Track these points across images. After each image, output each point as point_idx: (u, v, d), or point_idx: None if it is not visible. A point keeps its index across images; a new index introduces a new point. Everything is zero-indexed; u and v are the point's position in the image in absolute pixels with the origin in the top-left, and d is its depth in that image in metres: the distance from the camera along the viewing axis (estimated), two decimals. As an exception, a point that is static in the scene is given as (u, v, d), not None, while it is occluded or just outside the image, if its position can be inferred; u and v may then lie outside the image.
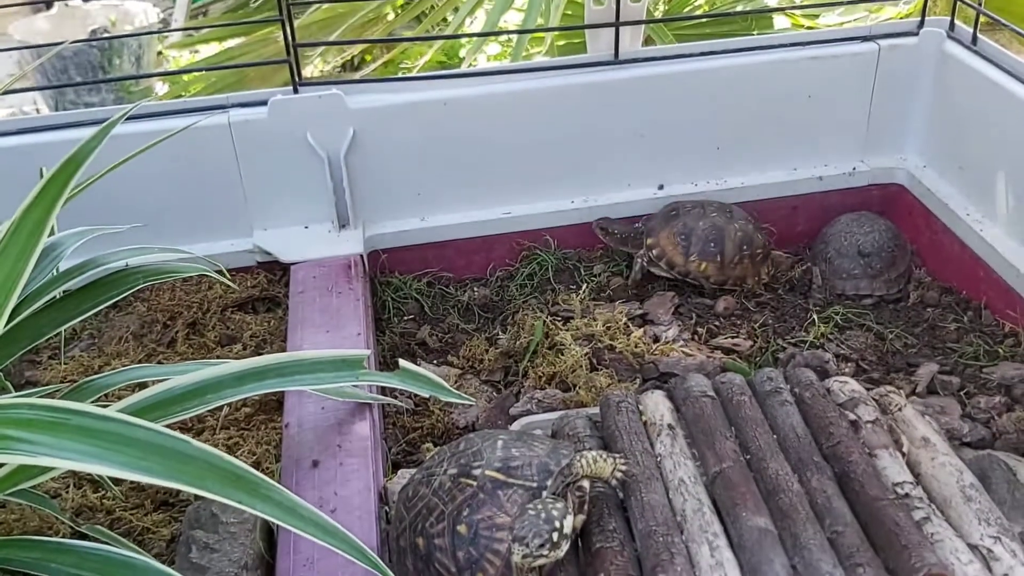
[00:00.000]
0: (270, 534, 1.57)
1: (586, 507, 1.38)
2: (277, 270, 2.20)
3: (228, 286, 2.11)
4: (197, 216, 2.16)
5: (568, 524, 1.28)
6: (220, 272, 1.81)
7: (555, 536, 1.25)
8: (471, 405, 1.79)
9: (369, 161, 2.18)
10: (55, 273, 1.44)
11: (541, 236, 2.31)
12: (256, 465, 1.73)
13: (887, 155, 2.44)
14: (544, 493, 1.32)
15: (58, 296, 1.45)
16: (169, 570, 1.24)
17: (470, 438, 1.47)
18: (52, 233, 1.54)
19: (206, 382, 1.30)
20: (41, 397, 1.15)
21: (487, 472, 1.36)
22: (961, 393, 1.91)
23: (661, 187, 2.35)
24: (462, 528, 1.33)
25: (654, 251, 2.19)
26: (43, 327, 1.39)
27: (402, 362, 1.46)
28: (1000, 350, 2.00)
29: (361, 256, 2.15)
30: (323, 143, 2.12)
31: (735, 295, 2.20)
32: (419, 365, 2.08)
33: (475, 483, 1.35)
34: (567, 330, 2.04)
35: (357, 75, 3.81)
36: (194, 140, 1.99)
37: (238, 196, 2.15)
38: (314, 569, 1.47)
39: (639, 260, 2.22)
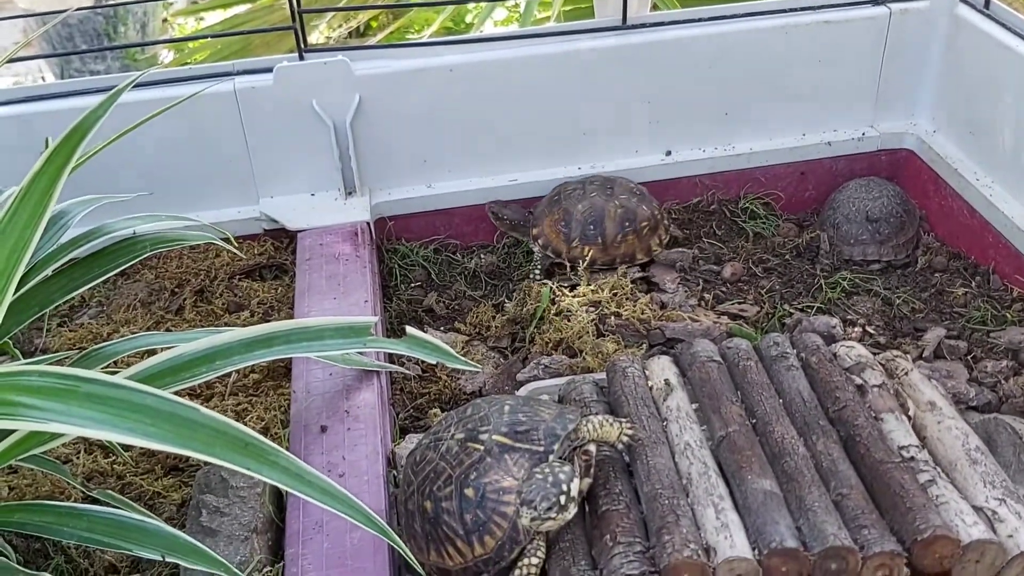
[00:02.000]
0: (280, 498, 1.58)
1: (592, 471, 1.39)
2: (284, 237, 2.20)
3: (235, 254, 2.11)
4: (204, 184, 2.16)
5: (575, 487, 1.29)
6: (227, 240, 1.82)
7: (562, 499, 1.26)
8: (478, 371, 1.80)
9: (375, 128, 2.17)
10: (63, 241, 1.45)
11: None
12: (264, 431, 1.75)
13: (897, 120, 2.42)
14: (551, 457, 1.33)
15: (66, 264, 1.46)
16: (179, 532, 1.27)
17: (477, 403, 1.48)
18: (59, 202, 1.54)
19: (215, 349, 1.31)
20: (50, 364, 1.16)
21: (494, 436, 1.37)
22: (968, 358, 1.91)
23: (669, 153, 2.33)
24: (469, 491, 1.34)
25: (540, 240, 2.17)
26: (52, 294, 1.39)
27: (409, 329, 1.46)
28: (1008, 315, 2.00)
29: (368, 223, 2.15)
30: (329, 110, 2.11)
31: (740, 260, 2.19)
32: (426, 332, 2.09)
33: (482, 447, 1.36)
34: (574, 296, 2.04)
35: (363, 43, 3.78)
36: (200, 108, 1.99)
37: (244, 164, 2.15)
38: (323, 532, 1.49)
39: (537, 251, 2.20)
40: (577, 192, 2.18)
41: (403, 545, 1.22)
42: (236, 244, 2.12)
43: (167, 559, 1.24)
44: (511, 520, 1.31)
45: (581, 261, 2.13)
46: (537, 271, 2.18)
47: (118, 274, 2.13)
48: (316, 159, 2.16)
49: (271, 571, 1.43)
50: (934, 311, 2.05)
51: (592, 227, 2.13)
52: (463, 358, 1.50)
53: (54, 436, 1.22)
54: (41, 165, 1.33)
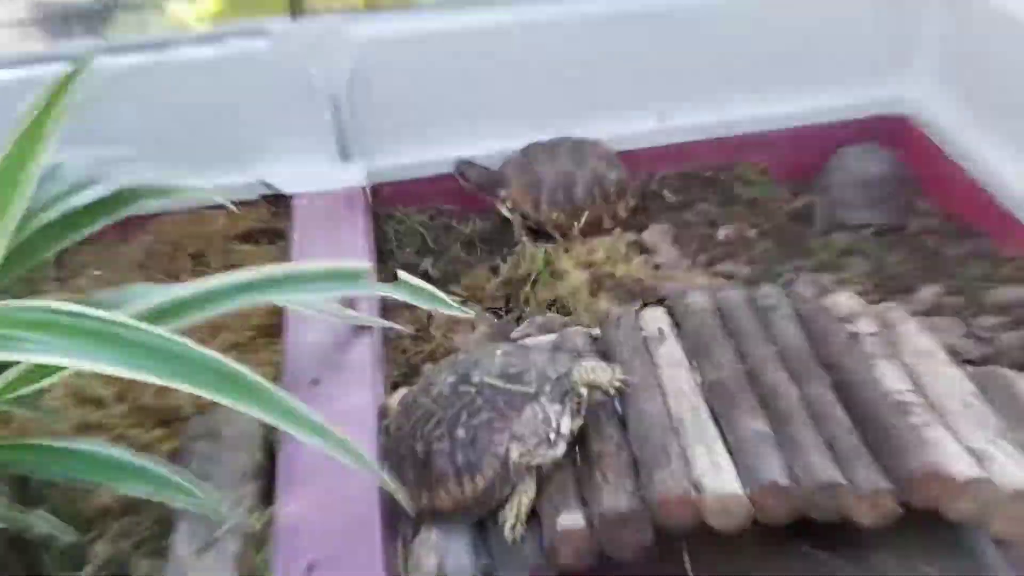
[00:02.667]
0: (271, 446, 1.58)
1: (583, 413, 1.39)
2: (280, 203, 2.19)
3: (232, 218, 2.11)
4: (198, 149, 2.15)
5: (566, 425, 1.29)
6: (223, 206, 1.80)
7: (552, 436, 1.25)
8: (470, 316, 1.79)
9: (371, 92, 2.16)
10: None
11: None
12: (258, 386, 1.74)
13: (892, 86, 2.41)
14: (542, 398, 1.33)
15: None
16: (164, 469, 1.27)
17: (468, 352, 1.48)
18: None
19: (208, 291, 1.30)
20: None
21: (485, 379, 1.37)
22: (963, 314, 1.90)
23: (662, 117, 2.33)
24: (461, 432, 1.34)
25: (508, 203, 2.17)
26: (47, 245, 1.39)
27: (401, 273, 1.46)
28: (1004, 273, 1.99)
29: (363, 188, 2.15)
30: (324, 73, 2.11)
31: (733, 224, 2.19)
32: (420, 294, 2.10)
33: (473, 389, 1.36)
34: (569, 258, 2.04)
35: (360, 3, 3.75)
36: (194, 70, 1.99)
37: (239, 128, 2.14)
38: (315, 479, 1.48)
39: (507, 214, 2.19)
40: (546, 155, 2.17)
41: (391, 482, 1.22)
42: (232, 208, 2.13)
43: (154, 498, 1.24)
44: (502, 459, 1.31)
45: (551, 223, 2.13)
46: (521, 234, 2.17)
47: (116, 239, 2.16)
48: (311, 123, 2.16)
49: (262, 516, 1.43)
50: (928, 271, 2.05)
51: (561, 193, 2.13)
52: (457, 305, 1.50)
53: (51, 371, 1.21)
54: (30, 121, 1.32)
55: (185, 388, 1.08)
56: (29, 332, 1.09)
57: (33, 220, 1.36)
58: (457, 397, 1.36)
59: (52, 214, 1.37)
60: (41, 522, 1.37)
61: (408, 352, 1.91)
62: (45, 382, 1.21)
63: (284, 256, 2.07)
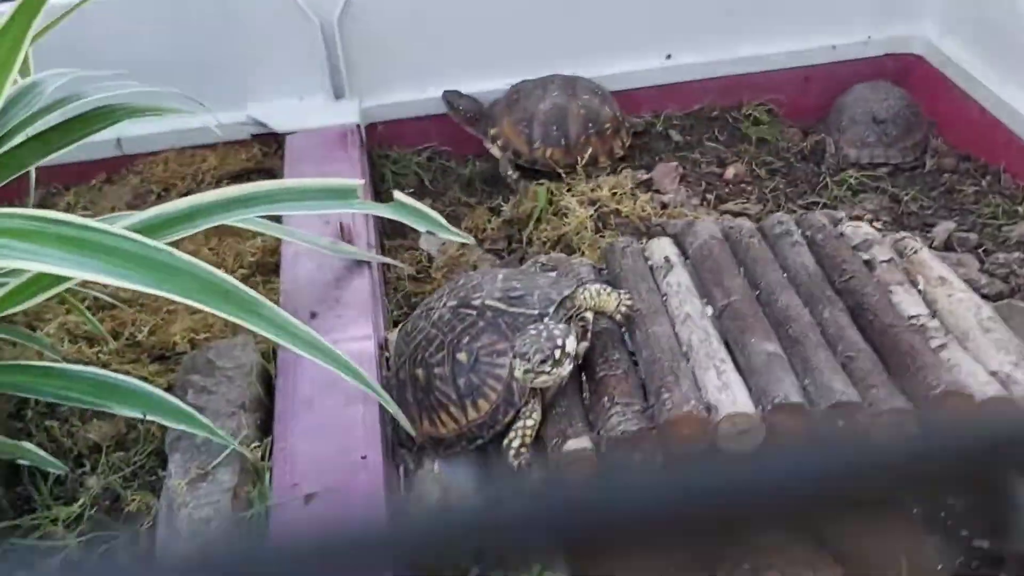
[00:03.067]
0: (268, 379, 1.54)
1: (589, 335, 1.34)
2: (272, 143, 2.14)
3: (222, 158, 2.06)
4: (187, 86, 2.09)
5: (571, 344, 1.24)
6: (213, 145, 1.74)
7: (557, 353, 1.20)
8: (470, 243, 1.74)
9: (365, 27, 2.10)
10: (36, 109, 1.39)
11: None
12: (254, 322, 1.70)
13: (904, 23, 2.34)
14: (546, 320, 1.28)
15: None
16: (161, 392, 1.22)
17: (469, 275, 1.43)
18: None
19: (195, 207, 1.25)
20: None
21: (487, 302, 1.32)
22: (979, 251, 1.85)
23: (669, 56, 2.26)
24: (462, 356, 1.29)
25: (499, 141, 2.09)
26: (25, 160, 1.34)
27: (396, 193, 1.41)
28: (1020, 210, 1.94)
29: (358, 126, 2.09)
30: (315, 7, 2.04)
31: (742, 163, 2.13)
32: (419, 236, 2.04)
33: (475, 312, 1.31)
34: (572, 195, 1.98)
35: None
36: (181, 5, 1.93)
37: (229, 65, 2.08)
38: (313, 409, 1.44)
39: (499, 155, 2.11)
40: (538, 92, 2.10)
41: (391, 400, 1.17)
42: (222, 143, 2.08)
43: (147, 417, 1.20)
44: (505, 382, 1.26)
45: (545, 161, 2.06)
46: (509, 172, 2.10)
47: (102, 181, 2.11)
48: (304, 60, 2.10)
49: (259, 446, 1.39)
50: (943, 208, 2.00)
51: (556, 128, 2.05)
52: (454, 228, 1.45)
53: (40, 289, 1.17)
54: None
55: (172, 296, 1.03)
56: (11, 239, 1.05)
57: (6, 138, 1.31)
58: (458, 320, 1.32)
59: (28, 131, 1.31)
60: (31, 453, 1.33)
61: (408, 293, 1.86)
62: (37, 299, 1.16)
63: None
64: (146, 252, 1.06)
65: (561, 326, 1.25)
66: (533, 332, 1.22)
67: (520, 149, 2.07)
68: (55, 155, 1.81)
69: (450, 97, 2.15)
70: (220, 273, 1.08)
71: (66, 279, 1.17)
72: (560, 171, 2.07)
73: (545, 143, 2.06)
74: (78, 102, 1.37)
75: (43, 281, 1.17)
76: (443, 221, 1.42)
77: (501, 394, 1.26)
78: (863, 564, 1.29)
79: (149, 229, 1.22)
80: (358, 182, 1.33)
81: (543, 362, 1.18)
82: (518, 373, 1.19)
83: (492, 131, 2.11)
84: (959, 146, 2.20)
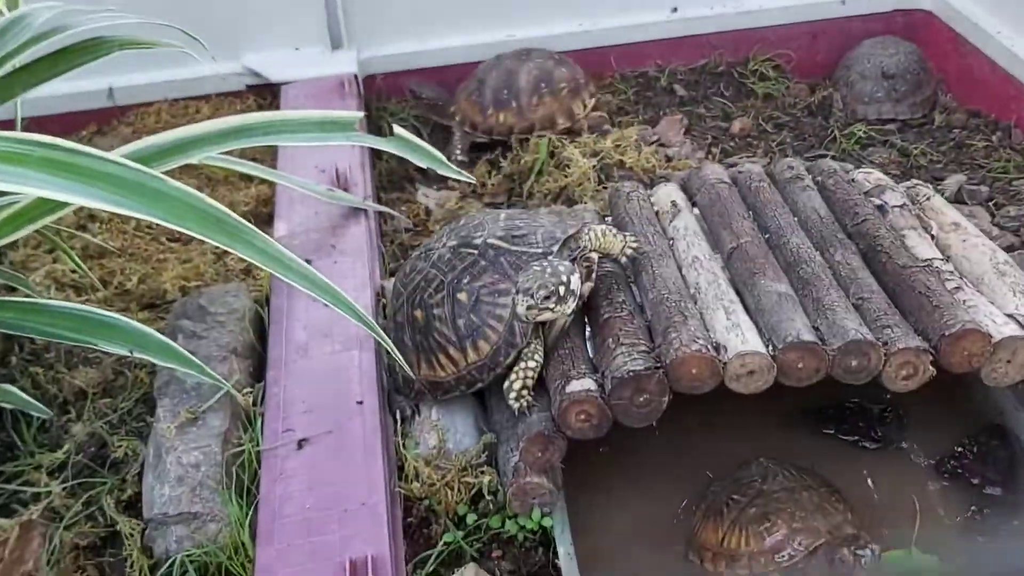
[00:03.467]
0: (262, 327, 1.49)
1: (594, 276, 1.29)
2: (267, 94, 2.09)
3: (216, 109, 2.01)
4: (181, 36, 2.04)
5: (575, 282, 1.19)
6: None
7: (561, 290, 1.16)
8: (471, 182, 1.68)
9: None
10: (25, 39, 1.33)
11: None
12: (246, 272, 1.65)
13: (914, -22, 2.30)
14: (550, 258, 1.23)
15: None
16: (148, 329, 1.17)
17: (471, 215, 1.38)
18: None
19: (187, 138, 1.20)
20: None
21: (489, 240, 1.27)
22: (990, 204, 1.81)
23: (675, 9, 2.21)
24: (462, 295, 1.24)
25: (457, 117, 2.03)
26: (12, 91, 1.28)
27: (397, 128, 1.35)
28: (1031, 164, 1.90)
29: (355, 76, 2.04)
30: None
31: (749, 117, 2.08)
32: (417, 190, 2.00)
33: (476, 251, 1.26)
34: (575, 146, 1.93)
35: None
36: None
37: (223, 14, 2.02)
38: (307, 356, 1.40)
39: (455, 131, 2.05)
40: (492, 63, 2.04)
41: (387, 339, 1.13)
42: (217, 97, 2.03)
43: (135, 354, 1.15)
44: (507, 323, 1.22)
45: (499, 128, 1.99)
46: (457, 150, 2.04)
47: (93, 131, 2.06)
48: (300, 9, 2.04)
49: (251, 392, 1.34)
50: (953, 163, 1.95)
51: (505, 91, 1.98)
52: (455, 167, 1.40)
53: (28, 219, 1.12)
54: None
55: (161, 222, 0.98)
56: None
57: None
58: (459, 260, 1.27)
59: (15, 62, 1.26)
60: (14, 396, 1.28)
61: (405, 245, 1.81)
62: (23, 231, 1.12)
63: (271, 148, 1.96)
64: (137, 178, 1.01)
65: (565, 263, 1.20)
66: (537, 268, 1.17)
67: (475, 120, 2.00)
68: (44, 92, 1.75)
69: (414, 87, 2.10)
70: (212, 200, 1.03)
71: (54, 209, 1.12)
72: (512, 140, 1.98)
73: (497, 108, 1.98)
74: (68, 32, 1.32)
75: (30, 212, 1.12)
76: (444, 159, 1.37)
77: (502, 335, 1.22)
78: (872, 510, 1.26)
79: (141, 160, 1.17)
80: (357, 114, 1.28)
81: (547, 298, 1.14)
82: (520, 309, 1.14)
83: (452, 109, 2.05)
84: (969, 102, 2.15)
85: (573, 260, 1.27)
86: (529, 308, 1.14)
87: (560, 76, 2.01)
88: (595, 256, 1.30)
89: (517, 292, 1.15)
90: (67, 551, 1.21)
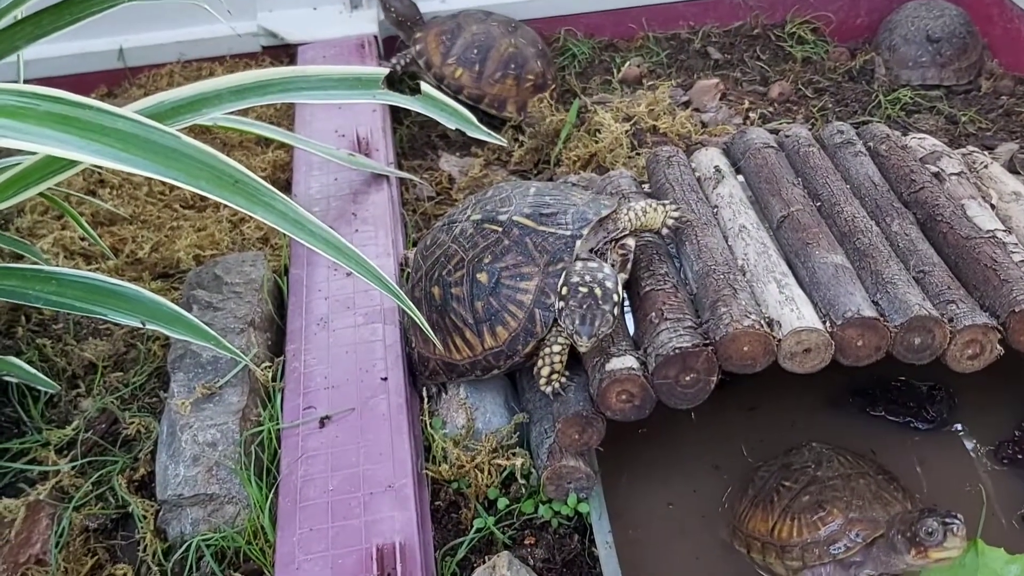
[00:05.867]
0: (281, 298, 1.42)
1: (629, 266, 1.20)
2: (283, 56, 2.00)
3: (230, 70, 1.92)
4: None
5: (620, 289, 1.11)
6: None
7: (615, 310, 1.07)
8: (503, 144, 1.59)
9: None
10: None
11: (575, 21, 2.09)
12: (263, 240, 1.58)
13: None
14: (577, 242, 1.14)
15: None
16: (160, 299, 1.10)
17: (500, 186, 1.30)
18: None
19: (202, 93, 1.13)
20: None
21: (515, 218, 1.18)
22: (1045, 174, 1.71)
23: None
24: (482, 276, 1.16)
25: (418, 46, 1.91)
26: (14, 43, 1.20)
27: (424, 85, 1.27)
28: (1087, 131, 1.80)
29: (375, 36, 1.95)
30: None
31: (788, 81, 1.98)
32: (439, 157, 1.91)
33: (500, 229, 1.18)
34: (607, 111, 1.84)
35: None
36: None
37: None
38: (329, 329, 1.32)
39: (402, 58, 1.93)
40: (479, 16, 1.94)
41: (411, 304, 1.05)
42: (230, 60, 1.95)
43: (148, 326, 1.08)
44: (527, 310, 1.13)
45: (452, 81, 1.88)
46: (399, 65, 1.91)
47: (103, 93, 1.98)
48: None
49: (270, 366, 1.27)
50: (1003, 131, 1.85)
51: (475, 51, 1.88)
52: (485, 128, 1.31)
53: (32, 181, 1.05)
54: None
55: (175, 182, 0.91)
56: (1, 117, 0.92)
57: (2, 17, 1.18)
58: (481, 237, 1.18)
59: (17, 12, 1.18)
60: (19, 369, 1.21)
61: (428, 214, 1.73)
62: (29, 192, 1.04)
63: (289, 109, 1.88)
64: (150, 135, 0.93)
65: (605, 270, 1.10)
66: (583, 291, 1.07)
67: (432, 60, 1.89)
68: (51, 51, 1.68)
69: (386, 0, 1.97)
70: (230, 160, 0.95)
71: (61, 170, 1.05)
72: (465, 102, 1.84)
73: (459, 62, 1.87)
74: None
75: (36, 173, 1.05)
76: (473, 119, 1.29)
77: (522, 322, 1.13)
78: (928, 497, 1.18)
79: (154, 117, 1.09)
80: (381, 70, 1.19)
81: (602, 326, 1.05)
82: (583, 349, 1.06)
83: (417, 35, 1.93)
84: (1017, 68, 2.04)
85: (609, 242, 1.19)
86: (590, 338, 1.06)
87: (532, 68, 1.91)
88: (632, 243, 1.21)
89: (574, 333, 1.06)
90: (76, 533, 1.14)
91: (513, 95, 1.89)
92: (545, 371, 1.14)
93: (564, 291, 1.09)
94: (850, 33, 2.17)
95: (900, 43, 2.04)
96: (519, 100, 1.90)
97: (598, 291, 1.07)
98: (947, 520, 0.97)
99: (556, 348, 1.14)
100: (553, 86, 1.95)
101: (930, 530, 0.97)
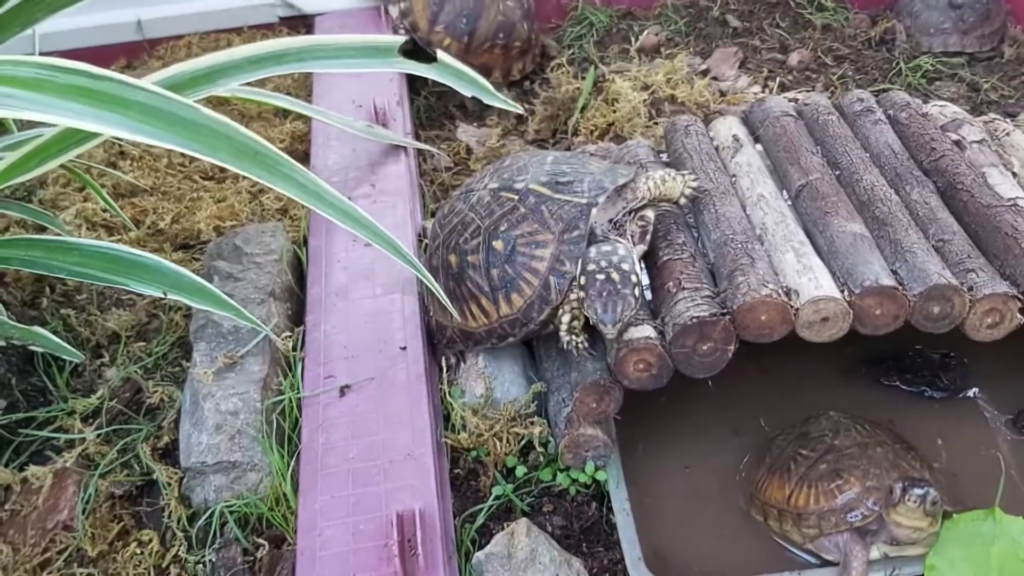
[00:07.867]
0: (300, 270, 1.43)
1: (648, 237, 1.20)
2: (301, 27, 2.00)
3: (247, 42, 1.91)
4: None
5: (639, 268, 1.10)
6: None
7: (636, 291, 1.06)
8: (519, 111, 1.59)
9: None
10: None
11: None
12: (283, 211, 1.59)
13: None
14: (593, 210, 1.13)
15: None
16: (182, 269, 1.11)
17: (517, 155, 1.30)
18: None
19: (219, 64, 1.13)
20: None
21: (531, 186, 1.18)
22: (1069, 142, 1.69)
23: (726, -66, 2.08)
24: (498, 244, 1.16)
25: (403, 4, 1.88)
26: (31, 15, 1.21)
27: (441, 54, 1.27)
28: (1113, 99, 1.77)
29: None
30: None
31: (807, 49, 1.96)
32: (456, 128, 1.91)
33: (516, 197, 1.18)
34: (624, 80, 1.83)
35: None
36: None
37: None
38: (348, 299, 1.33)
39: (395, 16, 1.91)
40: None
41: (428, 275, 1.06)
42: (247, 30, 1.95)
43: (169, 296, 1.09)
44: (543, 277, 1.13)
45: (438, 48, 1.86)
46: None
47: (122, 66, 1.98)
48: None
49: (290, 336, 1.28)
50: (1027, 98, 1.83)
51: (465, 21, 1.86)
52: (501, 95, 1.31)
53: (52, 153, 1.06)
54: None
55: (194, 153, 0.92)
56: (17, 89, 0.93)
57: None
58: (498, 205, 1.18)
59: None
60: (45, 339, 1.23)
61: (446, 185, 1.73)
62: (49, 164, 1.05)
63: (306, 79, 1.89)
64: (169, 107, 0.94)
65: (620, 252, 1.09)
66: (601, 277, 1.06)
67: (419, 24, 1.87)
68: (69, 25, 1.68)
69: None
70: (249, 132, 0.96)
71: (81, 142, 1.06)
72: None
73: (448, 31, 1.86)
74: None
75: (57, 144, 1.06)
76: (490, 87, 1.29)
77: (537, 290, 1.14)
78: (946, 466, 1.19)
79: (172, 88, 1.10)
80: (397, 38, 1.19)
81: (627, 310, 1.05)
82: (611, 336, 1.06)
83: None
84: (1041, 34, 2.02)
85: (628, 213, 1.19)
86: (615, 324, 1.05)
87: (519, 34, 1.90)
88: (651, 214, 1.21)
89: (599, 322, 1.05)
90: (103, 500, 1.17)
91: (500, 63, 1.91)
92: (566, 318, 1.14)
93: (582, 280, 1.08)
94: (870, 0, 2.15)
95: (922, 9, 2.01)
96: (505, 67, 1.91)
97: (616, 275, 1.07)
98: (908, 485, 1.00)
99: (566, 318, 1.14)
100: (536, 47, 1.95)
101: (892, 490, 1.01)
